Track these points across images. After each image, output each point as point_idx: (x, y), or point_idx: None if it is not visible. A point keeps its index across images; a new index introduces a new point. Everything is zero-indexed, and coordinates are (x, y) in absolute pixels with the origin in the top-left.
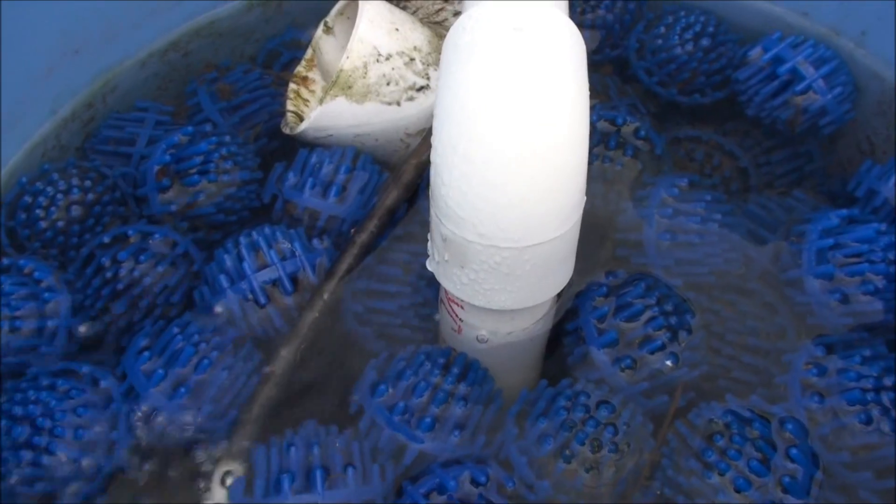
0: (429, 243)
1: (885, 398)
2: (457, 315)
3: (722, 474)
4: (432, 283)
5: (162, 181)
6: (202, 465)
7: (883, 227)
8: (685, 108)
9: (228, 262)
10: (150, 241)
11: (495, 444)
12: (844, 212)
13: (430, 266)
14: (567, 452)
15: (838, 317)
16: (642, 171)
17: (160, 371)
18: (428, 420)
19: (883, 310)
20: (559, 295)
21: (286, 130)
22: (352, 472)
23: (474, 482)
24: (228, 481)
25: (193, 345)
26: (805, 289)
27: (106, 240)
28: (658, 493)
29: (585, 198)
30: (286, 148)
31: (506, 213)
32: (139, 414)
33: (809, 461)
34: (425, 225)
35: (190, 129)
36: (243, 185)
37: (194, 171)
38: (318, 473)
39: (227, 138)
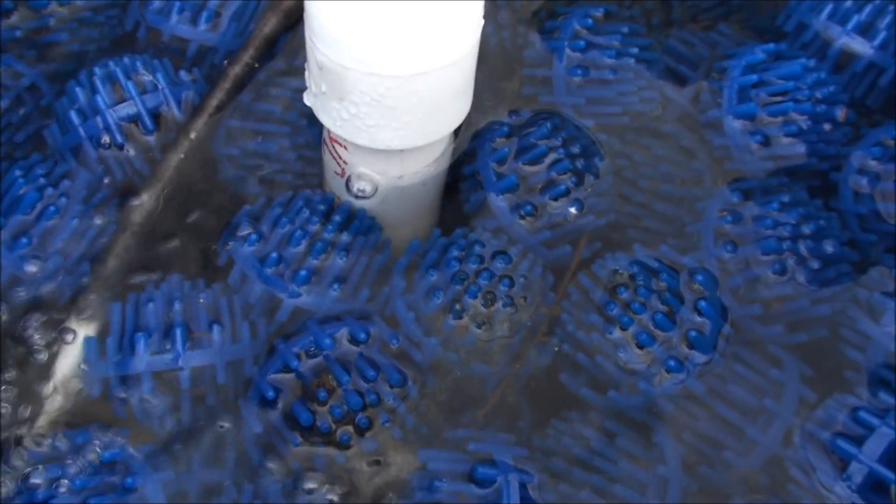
0: (306, 73)
1: (803, 247)
2: (340, 157)
3: (624, 329)
4: (316, 122)
5: (3, 2)
6: (50, 327)
7: (811, 63)
8: None
9: (81, 95)
10: None
11: (380, 299)
12: (771, 46)
13: (307, 100)
14: (458, 307)
15: (758, 160)
16: (554, 0)
17: None
18: (304, 273)
19: (805, 153)
20: (456, 134)
21: None
22: (217, 330)
23: (353, 340)
24: (80, 343)
25: (38, 189)
26: (724, 130)
27: None
28: (556, 349)
29: (483, 21)
30: None
31: (387, 31)
32: None
33: (718, 314)
34: None
35: None
36: (101, 10)
37: None
38: (179, 331)
39: None
